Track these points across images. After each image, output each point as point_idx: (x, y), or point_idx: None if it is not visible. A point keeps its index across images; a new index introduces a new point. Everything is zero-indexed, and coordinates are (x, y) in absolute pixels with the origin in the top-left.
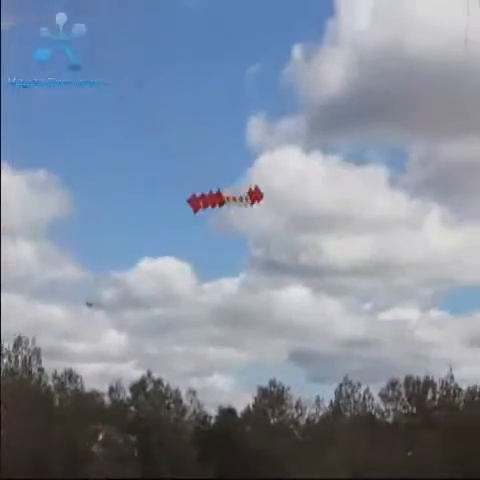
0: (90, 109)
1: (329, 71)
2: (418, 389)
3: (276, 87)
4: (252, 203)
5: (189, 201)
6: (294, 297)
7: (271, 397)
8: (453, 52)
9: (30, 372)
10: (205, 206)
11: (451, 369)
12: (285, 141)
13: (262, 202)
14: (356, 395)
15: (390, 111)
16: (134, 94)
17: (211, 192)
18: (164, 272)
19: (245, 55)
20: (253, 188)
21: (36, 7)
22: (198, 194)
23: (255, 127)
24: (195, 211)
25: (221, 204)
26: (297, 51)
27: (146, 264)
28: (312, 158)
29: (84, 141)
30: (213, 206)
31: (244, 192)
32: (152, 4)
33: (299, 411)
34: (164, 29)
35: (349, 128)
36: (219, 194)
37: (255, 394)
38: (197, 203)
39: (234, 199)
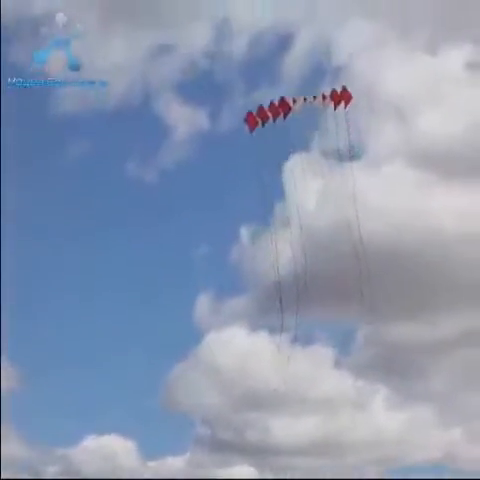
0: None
1: (276, 252)
2: None
3: (224, 267)
4: (335, 106)
5: (246, 119)
6: (239, 476)
7: None
8: (400, 235)
9: None
10: (265, 120)
11: None
12: (232, 319)
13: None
14: None
15: (337, 291)
16: (80, 268)
17: (272, 102)
18: (108, 450)
19: (193, 234)
20: (340, 88)
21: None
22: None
23: (202, 305)
24: (252, 130)
25: (286, 113)
26: (245, 231)
27: (90, 441)
28: (259, 337)
29: (30, 323)
30: (275, 118)
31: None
32: (103, 176)
33: None
34: (116, 203)
35: (295, 308)
36: (284, 101)
37: None
38: (253, 119)
39: (307, 101)
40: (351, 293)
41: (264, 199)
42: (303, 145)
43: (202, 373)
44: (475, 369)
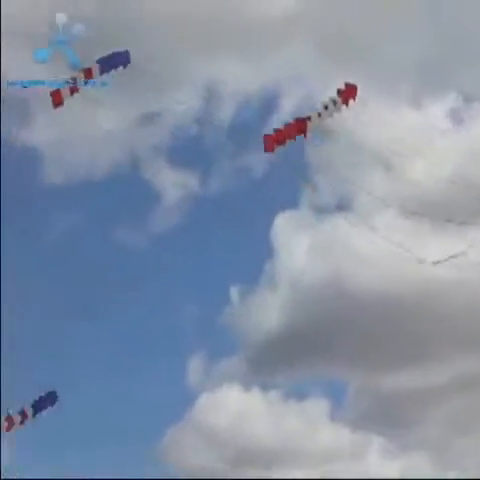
0: None
1: (266, 311)
2: None
3: (214, 327)
4: (347, 103)
5: (264, 139)
6: None
7: None
8: (390, 284)
9: None
10: (282, 142)
11: None
12: (224, 380)
13: None
14: None
15: (328, 345)
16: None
17: (286, 124)
18: None
19: (183, 295)
20: (343, 87)
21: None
22: (272, 132)
23: (194, 367)
24: (268, 151)
25: (304, 132)
26: (234, 292)
27: None
28: (252, 395)
29: None
30: (293, 138)
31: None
32: (92, 244)
33: None
34: (104, 270)
35: (288, 365)
36: (302, 121)
37: None
38: (271, 142)
39: (319, 115)
40: (343, 344)
41: (253, 258)
42: (291, 202)
43: (196, 434)
44: (469, 415)
